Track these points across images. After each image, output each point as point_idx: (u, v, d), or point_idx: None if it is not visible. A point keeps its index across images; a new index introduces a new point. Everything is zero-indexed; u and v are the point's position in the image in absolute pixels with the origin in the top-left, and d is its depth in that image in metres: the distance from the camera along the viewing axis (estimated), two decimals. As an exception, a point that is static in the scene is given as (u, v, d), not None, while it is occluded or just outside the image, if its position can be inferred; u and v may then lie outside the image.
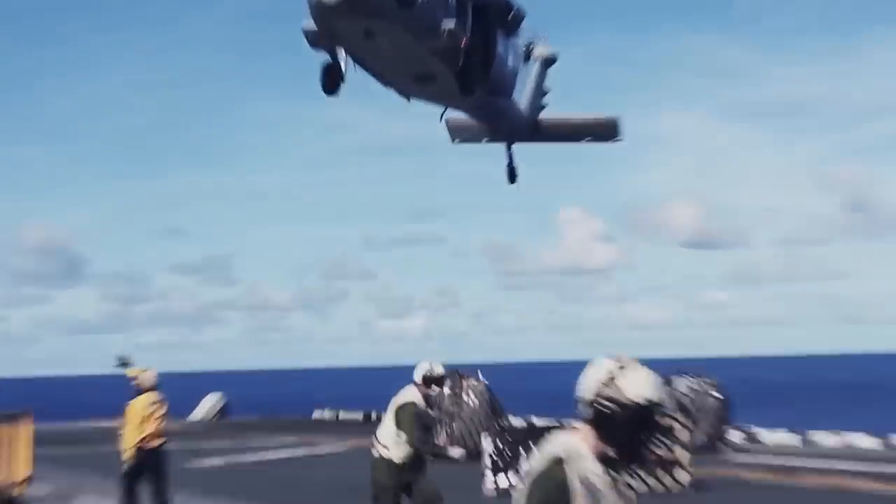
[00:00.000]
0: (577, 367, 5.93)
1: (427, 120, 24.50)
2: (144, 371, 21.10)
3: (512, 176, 26.11)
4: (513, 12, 22.22)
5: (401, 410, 16.13)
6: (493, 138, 26.16)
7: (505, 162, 26.07)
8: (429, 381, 16.43)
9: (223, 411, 62.69)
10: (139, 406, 20.57)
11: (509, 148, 26.05)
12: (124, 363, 21.92)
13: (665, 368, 33.74)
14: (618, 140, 26.19)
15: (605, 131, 26.48)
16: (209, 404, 62.85)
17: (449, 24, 19.23)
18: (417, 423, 16.04)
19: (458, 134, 27.08)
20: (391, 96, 22.06)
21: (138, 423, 20.47)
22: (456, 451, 27.58)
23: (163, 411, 20.84)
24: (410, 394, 16.32)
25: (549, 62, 26.95)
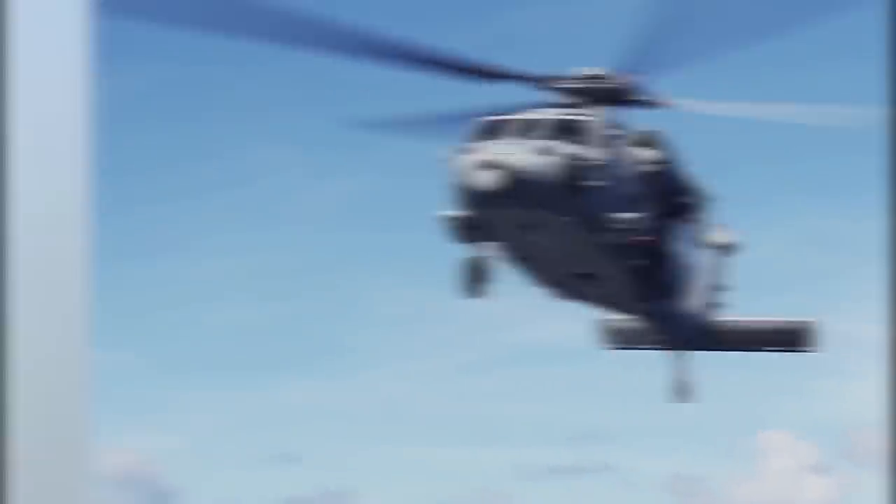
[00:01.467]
0: None
1: (577, 318, 20.45)
2: None
3: (684, 393, 21.55)
4: (697, 197, 18.03)
5: None
6: (659, 346, 21.68)
7: (673, 376, 21.57)
8: None
9: None
10: None
11: (680, 359, 21.51)
12: None
13: None
14: (812, 350, 21.54)
15: (796, 339, 21.85)
16: None
17: (626, 216, 15.28)
18: None
19: (615, 339, 22.66)
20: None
21: None
22: None
23: None
24: None
25: (728, 250, 22.73)
